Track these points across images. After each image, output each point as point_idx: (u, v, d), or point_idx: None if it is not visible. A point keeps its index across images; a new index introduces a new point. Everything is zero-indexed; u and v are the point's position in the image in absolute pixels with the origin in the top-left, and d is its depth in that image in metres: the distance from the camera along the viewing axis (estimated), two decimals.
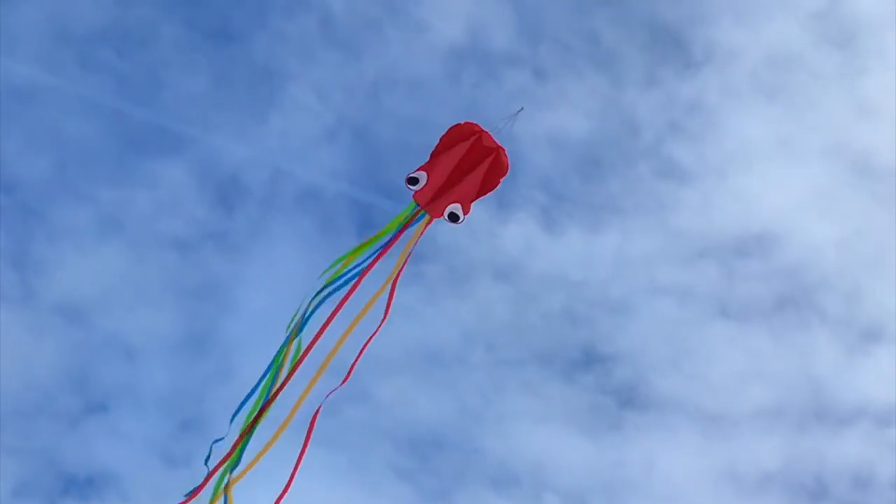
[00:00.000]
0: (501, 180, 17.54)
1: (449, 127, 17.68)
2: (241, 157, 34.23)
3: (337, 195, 34.41)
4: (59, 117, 34.24)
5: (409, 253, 16.97)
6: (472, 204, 17.41)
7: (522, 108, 17.41)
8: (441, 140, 17.61)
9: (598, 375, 33.37)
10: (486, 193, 17.50)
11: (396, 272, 16.81)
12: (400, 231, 17.02)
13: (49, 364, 32.43)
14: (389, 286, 16.82)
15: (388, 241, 16.96)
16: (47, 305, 32.95)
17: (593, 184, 34.25)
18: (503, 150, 17.55)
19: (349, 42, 34.94)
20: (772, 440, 32.78)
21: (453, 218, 17.29)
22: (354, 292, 16.71)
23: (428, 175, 17.39)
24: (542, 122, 34.03)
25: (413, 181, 17.40)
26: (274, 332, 16.89)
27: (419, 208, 17.26)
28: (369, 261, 16.84)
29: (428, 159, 17.59)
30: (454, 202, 17.27)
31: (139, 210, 34.23)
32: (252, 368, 16.70)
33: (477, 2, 35.30)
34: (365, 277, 16.86)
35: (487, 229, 34.03)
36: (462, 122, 17.64)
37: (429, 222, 17.24)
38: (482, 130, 17.58)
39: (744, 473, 32.72)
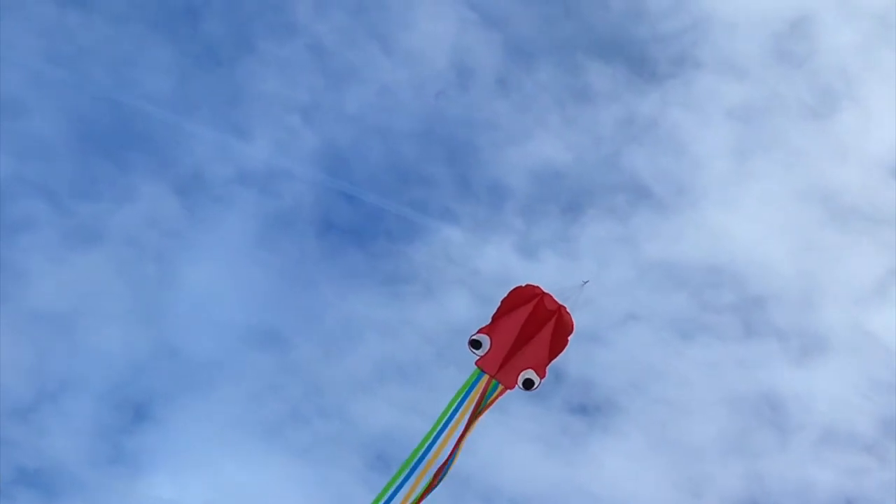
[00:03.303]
0: (569, 338, 17.82)
1: (510, 290, 17.93)
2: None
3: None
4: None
5: (478, 417, 17.53)
6: (547, 368, 17.70)
7: (588, 281, 17.79)
8: (502, 303, 17.82)
9: (566, 397, 34.07)
10: (557, 354, 17.81)
11: (464, 432, 17.55)
12: (476, 402, 17.49)
13: None
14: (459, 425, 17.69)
15: (461, 410, 17.54)
16: None
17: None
18: (565, 308, 17.83)
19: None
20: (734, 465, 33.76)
21: (528, 385, 17.60)
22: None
23: (491, 339, 17.66)
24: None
25: (476, 344, 17.70)
26: None
27: (485, 375, 17.55)
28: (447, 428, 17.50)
29: (489, 322, 17.85)
30: (528, 368, 17.61)
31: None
32: None
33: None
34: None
35: (464, 253, 34.94)
36: (523, 285, 17.90)
37: (502, 392, 17.56)
38: (544, 293, 17.86)
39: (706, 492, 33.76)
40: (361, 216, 35.47)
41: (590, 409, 33.85)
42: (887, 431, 33.12)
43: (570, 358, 32.75)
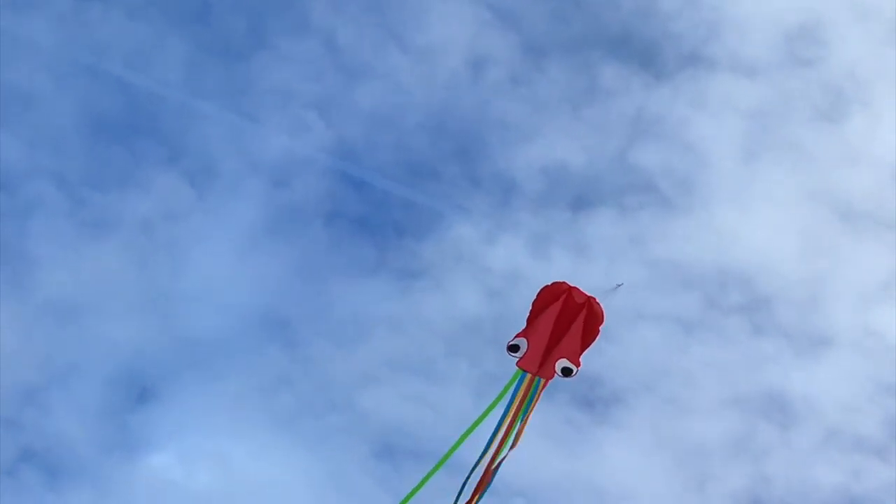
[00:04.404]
0: (600, 328, 18.07)
1: (538, 290, 18.15)
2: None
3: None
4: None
5: (527, 419, 17.88)
6: (581, 357, 17.94)
7: (622, 284, 18.12)
8: (533, 304, 18.06)
9: (574, 393, 34.32)
10: (589, 344, 18.00)
11: (515, 433, 17.88)
12: (520, 400, 17.81)
13: None
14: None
15: (509, 409, 17.78)
16: None
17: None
18: (594, 299, 18.04)
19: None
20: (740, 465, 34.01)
21: (567, 373, 17.84)
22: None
23: (528, 340, 17.90)
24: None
25: (514, 348, 17.91)
26: None
27: (527, 375, 17.85)
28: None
29: (525, 326, 18.05)
30: (563, 357, 17.84)
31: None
32: None
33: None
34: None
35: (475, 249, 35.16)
36: (550, 284, 18.11)
37: (544, 385, 17.89)
38: (571, 287, 18.06)
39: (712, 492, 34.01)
40: (373, 210, 35.74)
41: (597, 406, 34.06)
42: (894, 432, 33.38)
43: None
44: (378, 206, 35.37)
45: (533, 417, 18.06)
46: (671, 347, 34.44)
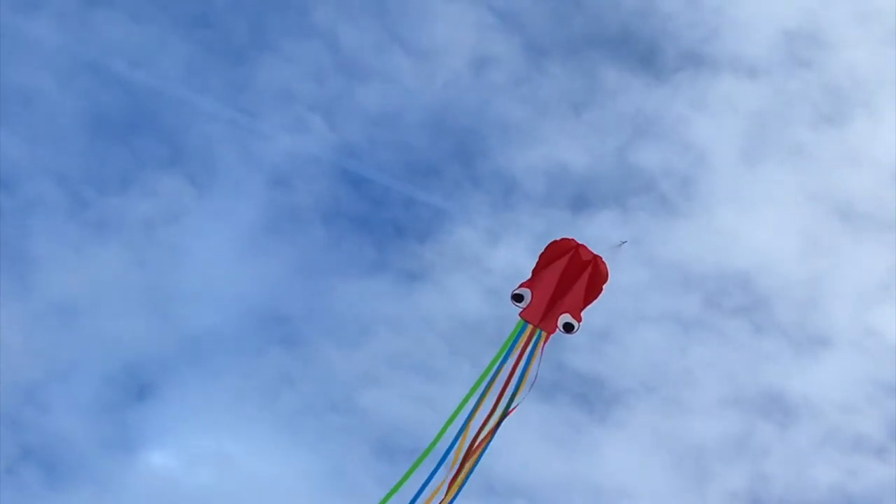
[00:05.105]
0: (604, 286, 18.32)
1: (546, 244, 18.48)
2: None
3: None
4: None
5: (534, 373, 17.89)
6: (582, 312, 18.13)
7: (626, 241, 18.35)
8: (540, 257, 18.40)
9: (575, 393, 34.34)
10: (592, 301, 18.26)
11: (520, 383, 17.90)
12: (520, 352, 17.89)
13: None
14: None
15: (505, 363, 17.87)
16: None
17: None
18: (600, 258, 18.36)
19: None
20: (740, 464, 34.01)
21: (568, 328, 18.04)
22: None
23: (532, 291, 18.13)
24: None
25: (518, 298, 18.15)
26: None
27: (529, 326, 18.00)
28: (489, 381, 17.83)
29: (529, 276, 18.35)
30: (565, 313, 18.04)
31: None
32: None
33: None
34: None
35: (476, 251, 35.26)
36: (559, 239, 18.46)
37: (546, 339, 18.01)
38: (578, 244, 18.38)
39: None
40: (374, 210, 35.87)
41: (598, 406, 34.09)
42: (893, 432, 33.40)
43: (579, 355, 33.32)
44: (380, 206, 35.52)
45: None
46: (671, 348, 34.49)
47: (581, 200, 35.70)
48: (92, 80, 35.50)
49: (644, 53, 36.70)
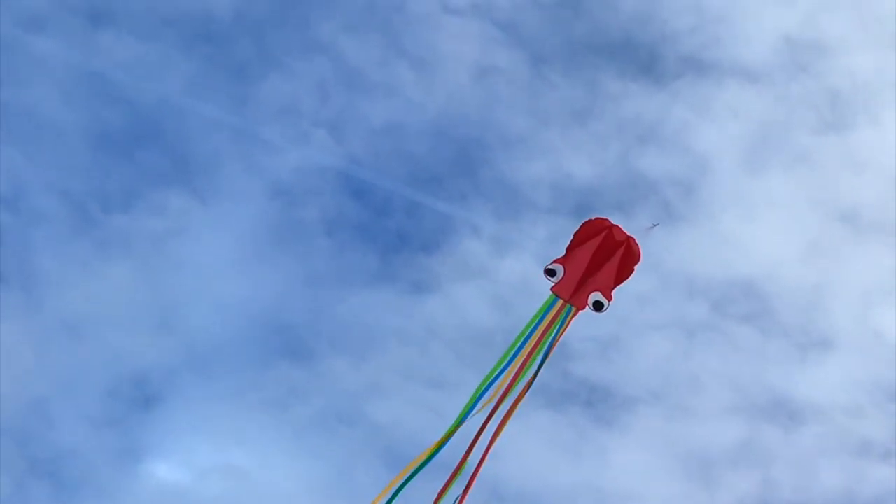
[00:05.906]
0: (636, 267, 18.48)
1: (581, 223, 18.66)
2: None
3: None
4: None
5: (554, 345, 17.97)
6: (612, 292, 18.27)
7: (657, 224, 18.73)
8: (575, 235, 18.58)
9: (584, 400, 34.46)
10: (622, 281, 18.39)
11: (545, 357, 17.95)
12: (546, 327, 17.96)
13: None
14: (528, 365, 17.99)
15: (533, 336, 17.92)
16: None
17: None
18: (634, 239, 18.57)
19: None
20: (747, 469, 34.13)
21: (598, 306, 18.15)
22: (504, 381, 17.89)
23: (565, 268, 18.31)
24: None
25: (551, 273, 18.32)
26: None
27: (559, 301, 18.14)
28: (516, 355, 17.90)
29: (563, 254, 18.52)
30: (596, 290, 18.19)
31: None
32: None
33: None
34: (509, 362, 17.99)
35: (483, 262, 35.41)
36: (593, 219, 18.62)
37: (574, 314, 18.13)
38: (612, 225, 18.56)
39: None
40: (381, 222, 36.03)
41: (605, 413, 34.21)
42: None
43: (586, 362, 33.43)
44: (385, 217, 35.67)
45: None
46: (677, 354, 34.64)
47: (585, 208, 35.94)
48: (97, 97, 35.70)
49: (646, 61, 37.04)
